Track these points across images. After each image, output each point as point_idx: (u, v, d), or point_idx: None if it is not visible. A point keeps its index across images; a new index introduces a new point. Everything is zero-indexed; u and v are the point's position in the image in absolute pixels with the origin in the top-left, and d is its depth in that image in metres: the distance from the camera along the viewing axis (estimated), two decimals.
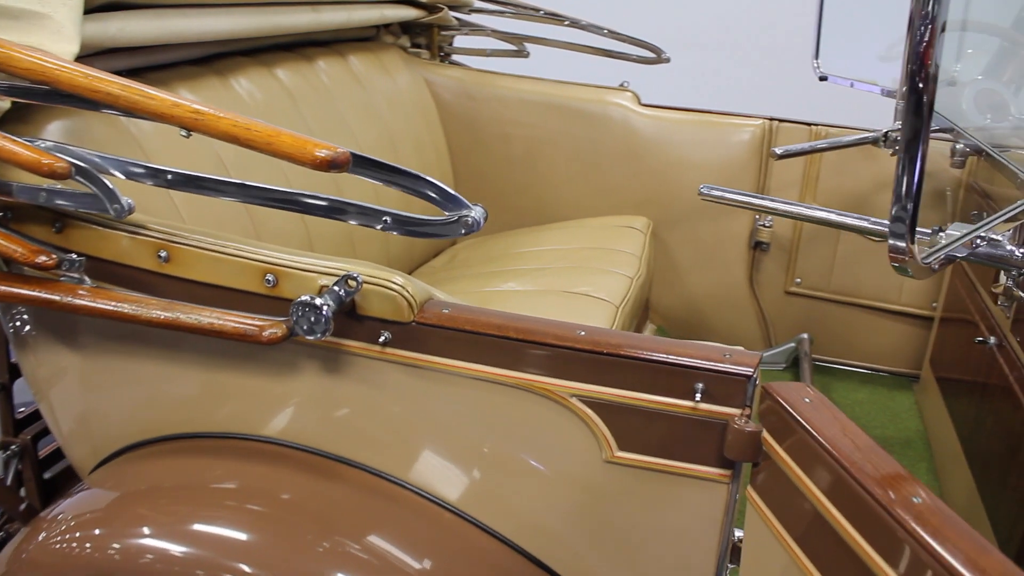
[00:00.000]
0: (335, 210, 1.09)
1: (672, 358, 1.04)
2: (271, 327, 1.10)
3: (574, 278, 2.14)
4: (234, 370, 1.25)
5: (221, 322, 1.11)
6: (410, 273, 2.48)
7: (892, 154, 2.29)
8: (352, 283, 1.09)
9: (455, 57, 2.94)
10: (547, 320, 1.11)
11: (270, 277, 1.14)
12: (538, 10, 2.79)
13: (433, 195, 1.05)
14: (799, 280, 2.65)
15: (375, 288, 1.11)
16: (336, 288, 1.09)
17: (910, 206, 0.86)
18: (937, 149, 2.39)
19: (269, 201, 1.11)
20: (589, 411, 1.09)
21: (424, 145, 2.56)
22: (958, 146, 2.21)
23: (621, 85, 2.68)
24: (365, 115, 2.29)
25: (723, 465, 1.07)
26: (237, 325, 1.10)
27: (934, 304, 2.53)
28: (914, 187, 0.86)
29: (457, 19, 2.82)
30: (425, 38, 2.79)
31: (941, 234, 1.25)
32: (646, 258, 2.37)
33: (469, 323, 1.10)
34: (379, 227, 1.07)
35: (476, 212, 1.03)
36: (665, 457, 1.09)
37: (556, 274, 2.18)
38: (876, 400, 2.55)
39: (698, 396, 1.03)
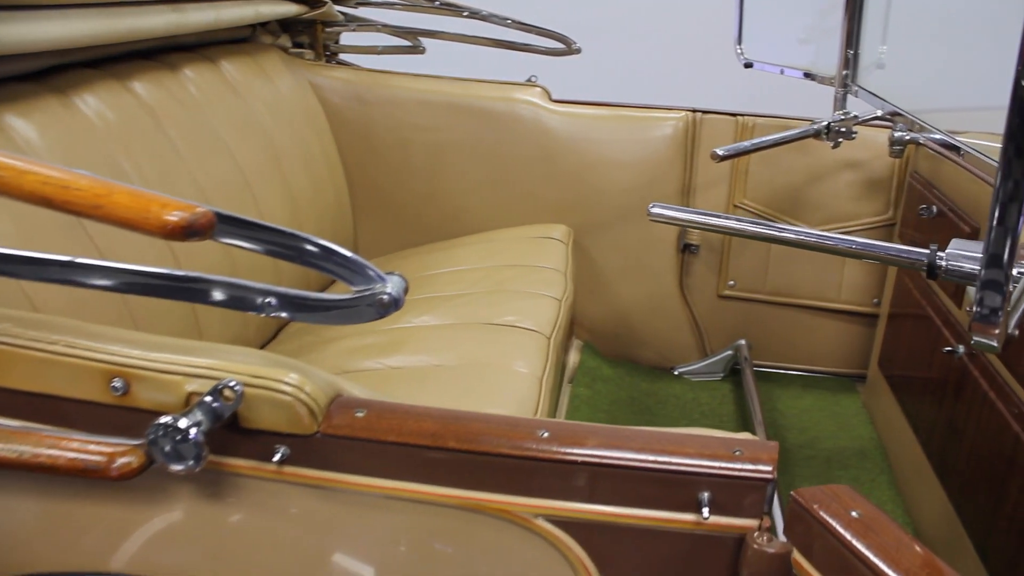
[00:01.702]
0: (191, 289, 0.79)
1: (665, 459, 0.80)
2: (123, 455, 0.80)
3: (496, 305, 1.88)
4: (85, 496, 0.95)
5: (52, 453, 0.81)
6: None
7: (834, 147, 2.11)
8: (229, 394, 0.81)
9: (343, 56, 2.63)
10: (498, 418, 0.84)
11: (118, 383, 0.85)
12: (433, 0, 2.51)
13: (332, 265, 0.77)
14: (732, 282, 2.46)
15: (262, 393, 0.83)
16: (209, 399, 0.80)
17: (1006, 270, 0.63)
18: (872, 136, 2.22)
19: (98, 279, 0.81)
20: (560, 533, 0.83)
21: (314, 158, 2.25)
22: (897, 133, 2.05)
23: (529, 80, 2.43)
24: (244, 129, 1.98)
25: None
26: (75, 456, 0.80)
27: (876, 301, 2.37)
28: (1013, 245, 0.63)
29: (343, 14, 2.51)
30: (308, 36, 2.48)
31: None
32: (571, 273, 2.14)
33: (393, 431, 0.83)
34: (258, 308, 0.78)
35: (393, 286, 0.76)
36: None
37: (475, 301, 1.92)
38: (823, 406, 2.38)
39: (705, 510, 0.79)
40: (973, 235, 1.63)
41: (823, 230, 2.35)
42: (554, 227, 2.35)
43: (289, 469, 0.86)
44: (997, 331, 0.67)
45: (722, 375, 2.52)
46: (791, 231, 1.21)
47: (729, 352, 2.51)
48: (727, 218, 1.26)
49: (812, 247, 1.22)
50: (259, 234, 0.75)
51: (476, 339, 1.74)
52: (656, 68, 3.63)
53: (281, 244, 0.76)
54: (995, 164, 1.50)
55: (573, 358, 2.46)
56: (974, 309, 0.66)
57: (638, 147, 2.34)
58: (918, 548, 0.68)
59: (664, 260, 2.44)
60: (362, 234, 2.49)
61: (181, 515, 0.93)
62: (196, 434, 0.77)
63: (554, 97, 2.38)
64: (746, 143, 2.02)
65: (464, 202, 2.42)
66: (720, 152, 1.94)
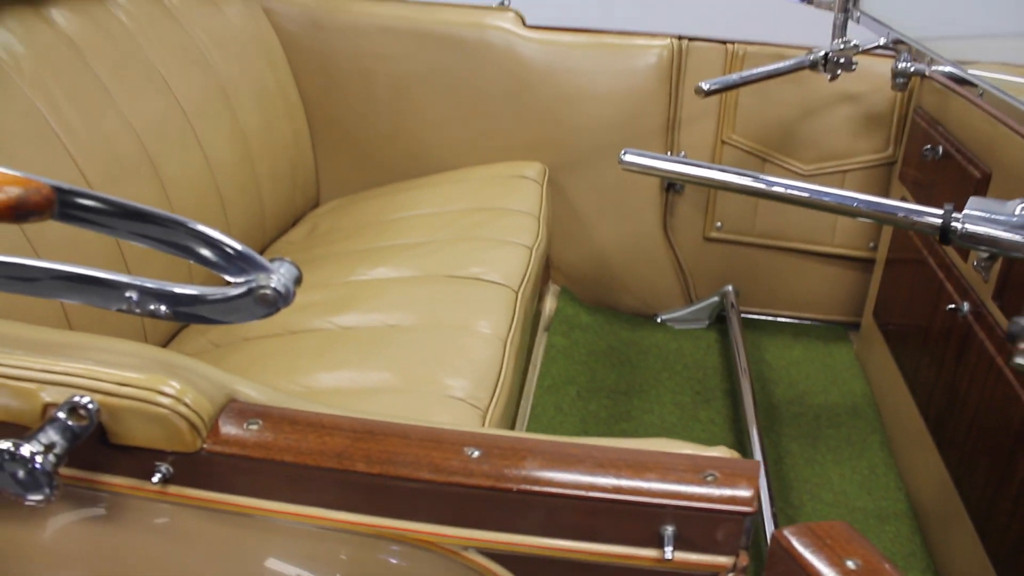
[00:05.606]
0: (19, 279, 0.63)
1: (622, 485, 0.65)
2: None
3: (461, 255, 1.73)
4: None
5: None
6: (263, 251, 2.01)
7: (831, 79, 1.93)
8: (83, 414, 0.66)
9: None
10: (420, 431, 0.70)
11: None
12: None
13: (204, 251, 0.61)
14: (720, 224, 2.31)
15: (132, 405, 0.68)
16: (62, 416, 0.66)
17: None
18: (872, 67, 2.04)
19: None
20: (496, 567, 0.70)
21: (269, 93, 2.07)
22: (900, 64, 1.87)
23: (501, 3, 2.23)
24: (184, 62, 1.79)
25: None
26: None
27: (872, 245, 2.23)
28: None
29: None
30: None
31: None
32: (544, 216, 1.98)
33: (291, 450, 0.68)
34: (122, 305, 0.63)
35: (281, 277, 0.61)
36: None
37: (439, 250, 1.77)
38: (813, 358, 2.25)
39: (668, 548, 0.65)
40: (984, 181, 1.47)
41: (818, 168, 2.19)
42: (528, 165, 2.18)
43: (174, 489, 0.72)
44: None
45: (707, 323, 2.39)
46: (780, 184, 1.06)
47: (715, 299, 2.37)
48: (709, 168, 1.10)
49: (803, 203, 1.07)
50: (109, 219, 0.60)
51: (437, 295, 1.59)
52: None
53: (139, 228, 0.60)
54: (1013, 101, 1.34)
55: (549, 305, 2.32)
56: None
57: (619, 78, 2.16)
58: None
59: (647, 200, 2.28)
60: (324, 174, 2.32)
61: (59, 536, 0.79)
62: (43, 464, 0.63)
63: (528, 22, 2.19)
64: (734, 76, 1.84)
65: (431, 138, 2.24)
66: (705, 87, 1.76)
